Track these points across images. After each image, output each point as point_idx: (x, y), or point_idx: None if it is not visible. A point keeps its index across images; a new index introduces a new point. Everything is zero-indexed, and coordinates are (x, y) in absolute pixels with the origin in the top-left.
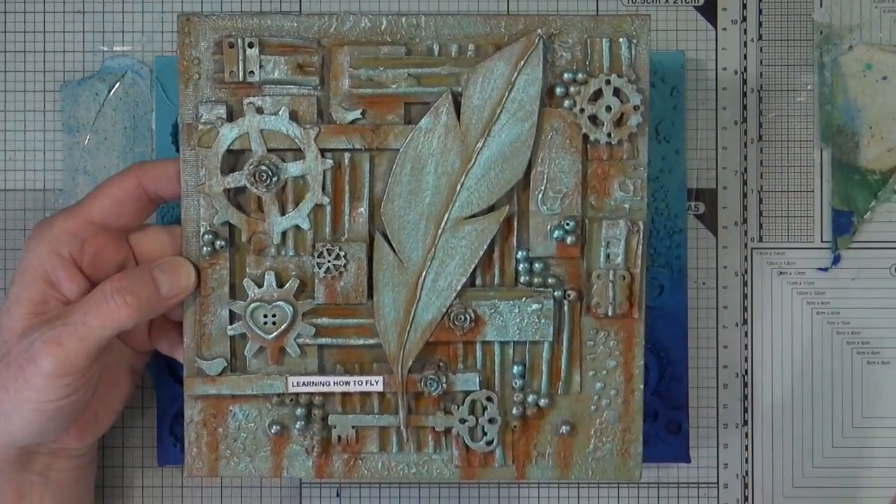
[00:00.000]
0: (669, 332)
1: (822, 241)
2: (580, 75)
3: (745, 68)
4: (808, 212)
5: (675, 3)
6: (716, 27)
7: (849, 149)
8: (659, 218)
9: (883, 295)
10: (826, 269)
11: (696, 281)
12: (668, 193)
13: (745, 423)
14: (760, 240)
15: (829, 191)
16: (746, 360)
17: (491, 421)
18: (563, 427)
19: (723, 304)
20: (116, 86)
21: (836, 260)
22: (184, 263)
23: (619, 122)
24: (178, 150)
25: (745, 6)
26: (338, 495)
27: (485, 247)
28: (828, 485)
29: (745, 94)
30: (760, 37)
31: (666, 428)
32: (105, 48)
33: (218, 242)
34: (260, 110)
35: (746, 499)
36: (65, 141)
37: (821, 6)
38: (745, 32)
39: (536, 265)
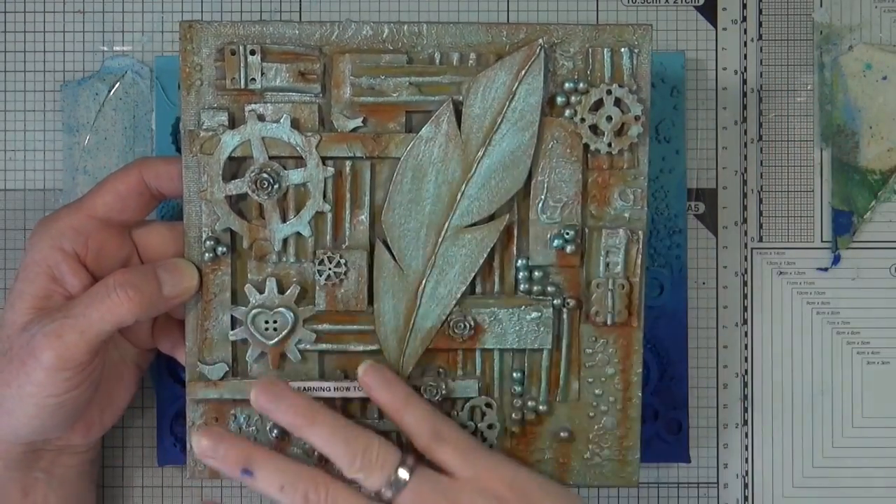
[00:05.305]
0: (669, 332)
1: (822, 241)
2: (581, 85)
3: (745, 68)
4: (808, 212)
5: (675, 3)
6: (716, 27)
7: (849, 149)
8: (659, 218)
9: (883, 295)
10: (826, 269)
11: (696, 281)
12: (668, 193)
13: (745, 423)
14: (760, 240)
15: (829, 191)
16: (746, 360)
17: (490, 427)
18: (562, 433)
19: (723, 304)
20: (116, 86)
21: (836, 260)
22: (188, 265)
23: (620, 131)
24: (177, 150)
25: (745, 6)
26: None
27: (485, 255)
28: (828, 485)
29: (745, 94)
30: (760, 37)
31: (666, 428)
32: (105, 48)
33: (220, 248)
34: (261, 118)
35: (746, 499)
36: (65, 141)
37: (821, 6)
38: (745, 32)
39: (536, 274)
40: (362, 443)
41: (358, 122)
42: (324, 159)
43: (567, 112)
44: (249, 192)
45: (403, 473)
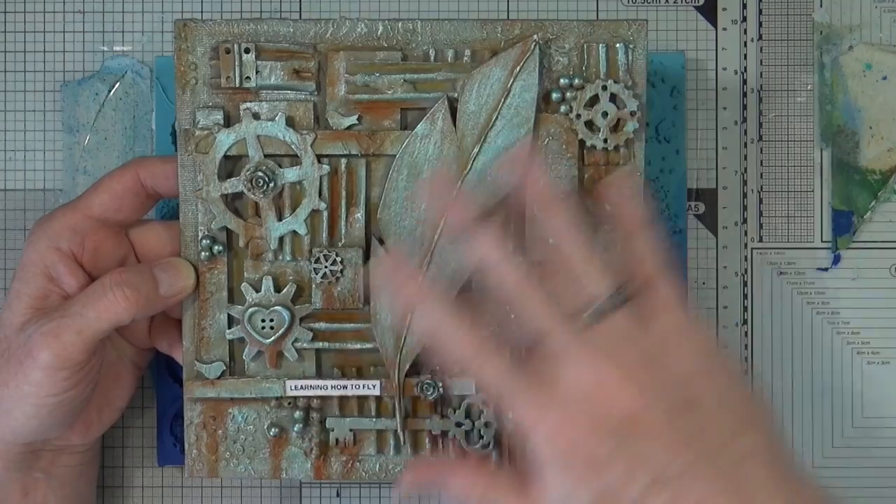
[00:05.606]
0: None
1: (822, 241)
2: (577, 81)
3: (745, 68)
4: (808, 212)
5: (675, 3)
6: (716, 27)
7: (849, 149)
8: (659, 218)
9: (883, 295)
10: (826, 269)
11: (696, 281)
12: (668, 193)
13: None
14: (760, 240)
15: (829, 191)
16: (746, 360)
17: (487, 424)
18: None
19: (723, 304)
20: (116, 86)
21: (836, 260)
22: (184, 264)
23: (616, 127)
24: (177, 151)
25: (745, 6)
26: (338, 495)
27: None
28: (828, 485)
29: (745, 94)
30: (760, 37)
31: None
32: (105, 48)
33: (216, 247)
34: (256, 116)
35: None
36: (65, 141)
37: (821, 6)
38: (745, 32)
39: None
40: (599, 252)
41: (353, 119)
42: (319, 157)
43: (562, 108)
44: (245, 191)
45: (614, 300)
